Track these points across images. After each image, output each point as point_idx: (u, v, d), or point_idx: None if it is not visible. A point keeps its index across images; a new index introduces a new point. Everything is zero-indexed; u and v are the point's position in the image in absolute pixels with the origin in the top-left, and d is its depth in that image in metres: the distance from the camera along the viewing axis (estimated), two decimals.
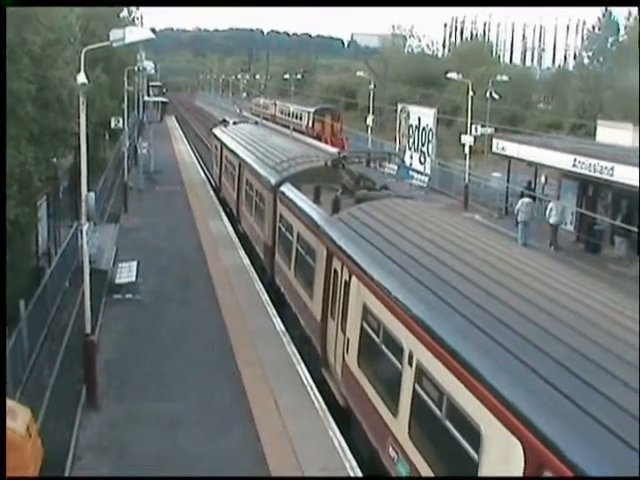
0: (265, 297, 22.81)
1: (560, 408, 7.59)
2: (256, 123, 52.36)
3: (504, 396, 8.23)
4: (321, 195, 18.69)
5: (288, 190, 21.51)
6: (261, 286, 23.91)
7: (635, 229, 28.10)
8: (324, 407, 15.41)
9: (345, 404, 14.64)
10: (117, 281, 23.35)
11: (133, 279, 23.38)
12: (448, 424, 9.46)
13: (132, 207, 37.13)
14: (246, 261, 27.11)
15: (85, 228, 16.32)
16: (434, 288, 11.09)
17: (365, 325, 13.25)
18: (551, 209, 32.35)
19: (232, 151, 34.47)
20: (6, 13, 14.23)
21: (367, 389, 12.94)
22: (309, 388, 16.38)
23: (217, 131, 42.67)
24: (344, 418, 14.62)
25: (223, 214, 35.85)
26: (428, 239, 13.36)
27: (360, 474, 12.94)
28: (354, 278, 13.99)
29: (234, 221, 33.14)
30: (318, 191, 18.83)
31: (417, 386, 10.63)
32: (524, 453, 7.70)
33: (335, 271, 15.48)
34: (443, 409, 9.66)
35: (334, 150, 36.14)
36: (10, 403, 12.34)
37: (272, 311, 21.52)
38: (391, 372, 11.65)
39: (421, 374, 10.51)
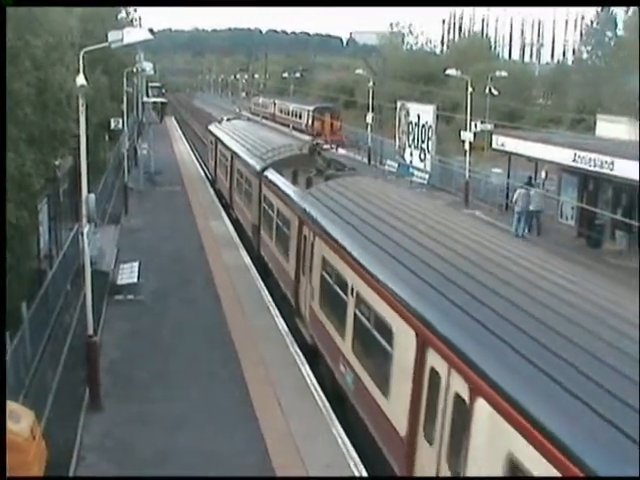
0: (268, 297, 22.83)
1: (442, 307, 10.48)
2: (248, 119, 57.39)
3: (402, 299, 11.42)
4: (298, 177, 22.14)
5: (271, 174, 24.80)
6: (263, 285, 23.95)
7: (636, 223, 28.14)
8: (327, 405, 15.44)
9: (312, 342, 17.81)
10: (119, 282, 23.36)
11: (135, 280, 23.39)
12: (374, 332, 12.72)
13: (133, 208, 37.15)
14: (247, 260, 27.13)
15: (86, 230, 16.35)
16: (374, 239, 14.18)
17: (324, 274, 16.55)
18: (517, 197, 33.98)
19: (225, 144, 37.77)
20: (6, 13, 14.26)
21: (326, 324, 16.23)
22: (312, 387, 16.39)
23: (212, 127, 46.18)
24: (313, 355, 17.60)
25: (224, 214, 35.88)
26: (377, 206, 16.45)
27: (364, 472, 12.95)
28: (317, 238, 17.29)
29: (228, 208, 36.07)
30: (296, 174, 22.34)
31: (356, 310, 13.91)
32: (416, 338, 10.66)
33: (305, 236, 18.72)
34: (371, 321, 12.99)
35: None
36: (14, 406, 12.35)
37: (275, 311, 21.55)
38: (341, 305, 14.91)
39: (359, 300, 13.76)
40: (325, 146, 27.72)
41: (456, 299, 10.38)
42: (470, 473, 8.81)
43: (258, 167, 26.89)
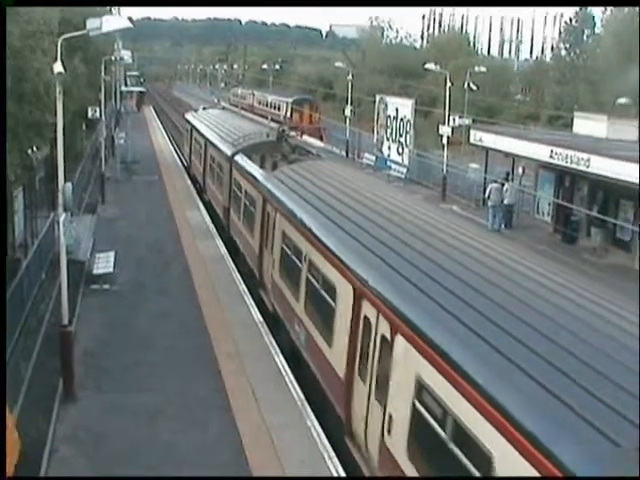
0: (243, 287, 22.81)
1: (376, 266, 12.25)
2: (223, 108, 59.65)
3: (344, 261, 13.29)
4: (265, 161, 24.14)
5: (240, 159, 26.46)
6: (239, 276, 23.92)
7: (610, 220, 28.39)
8: (302, 397, 15.44)
9: (273, 309, 19.55)
10: (94, 272, 23.25)
11: (111, 269, 23.30)
12: (321, 291, 14.62)
13: (109, 197, 36.97)
14: (223, 250, 27.10)
15: (62, 219, 16.20)
16: (326, 213, 16.00)
17: (283, 245, 18.28)
18: (490, 191, 34.48)
19: (200, 132, 39.19)
20: (6, 13, 14.13)
21: (284, 290, 18.02)
22: (287, 379, 16.39)
23: (188, 116, 48.14)
24: (275, 323, 19.22)
25: (201, 204, 35.82)
26: (333, 186, 18.30)
27: (340, 466, 12.97)
28: (278, 214, 19.04)
29: (201, 192, 37.67)
30: (263, 158, 24.43)
31: (308, 274, 15.75)
32: (353, 292, 12.51)
33: (268, 213, 20.46)
34: (320, 283, 14.78)
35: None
36: None
37: (250, 301, 21.53)
38: (296, 272, 16.74)
39: (310, 265, 15.63)
40: (291, 133, 30.92)
41: (389, 260, 12.21)
42: (391, 398, 10.72)
43: (229, 152, 28.61)
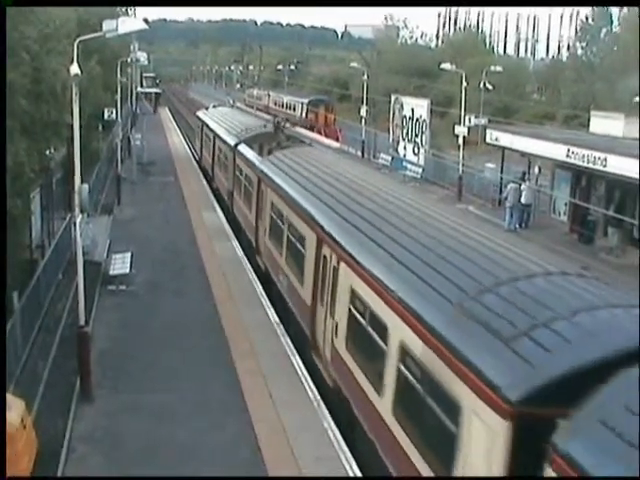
0: (260, 289, 22.85)
1: (332, 218, 16.10)
2: (232, 106, 63.27)
3: (312, 216, 17.22)
4: (262, 148, 27.34)
5: (242, 148, 30.22)
6: (255, 277, 23.96)
7: (628, 219, 28.21)
8: (318, 397, 15.47)
9: (265, 269, 23.27)
10: (111, 272, 23.32)
11: (127, 270, 23.36)
12: (296, 244, 18.59)
13: (125, 198, 37.07)
14: (240, 252, 27.14)
15: (78, 220, 16.29)
16: (305, 185, 19.64)
17: (272, 214, 22.20)
18: (508, 192, 34.53)
19: (209, 127, 43.29)
20: (6, 13, 14.20)
21: (272, 250, 21.97)
22: (303, 379, 16.41)
23: (199, 113, 52.02)
24: (266, 280, 22.90)
25: (217, 205, 35.90)
26: (314, 166, 21.74)
27: (354, 464, 12.98)
28: (269, 190, 22.97)
29: (210, 181, 41.66)
30: (261, 146, 27.70)
31: (288, 232, 19.71)
32: (317, 240, 16.42)
33: (261, 190, 24.28)
34: (294, 236, 18.87)
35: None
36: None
37: (267, 302, 21.56)
38: (280, 233, 20.81)
39: (289, 225, 19.57)
40: (287, 125, 35.85)
41: (343, 215, 15.96)
42: (337, 310, 14.65)
43: (232, 142, 32.66)
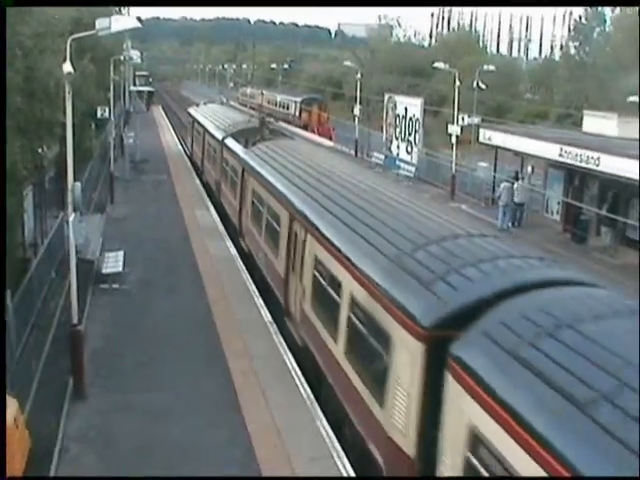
0: (253, 287, 22.83)
1: (303, 199, 18.26)
2: (222, 103, 65.58)
3: (285, 197, 19.56)
4: (247, 141, 29.33)
5: (229, 142, 32.31)
6: (249, 277, 23.94)
7: (620, 219, 28.27)
8: (312, 397, 15.46)
9: (247, 249, 25.50)
10: (104, 271, 23.29)
11: (120, 269, 23.34)
12: (272, 222, 20.86)
13: (118, 197, 37.04)
14: (233, 251, 27.13)
15: (71, 218, 16.24)
16: (281, 170, 22.07)
17: (253, 199, 24.41)
18: (501, 191, 34.70)
19: (199, 122, 45.01)
20: (6, 13, 14.15)
21: (253, 230, 24.23)
22: (297, 379, 16.40)
23: (191, 110, 53.89)
24: (249, 261, 25.01)
25: (210, 204, 35.87)
26: (291, 155, 24.11)
27: (348, 464, 12.98)
28: (250, 177, 25.34)
29: (200, 174, 43.44)
30: (247, 139, 29.68)
31: (267, 214, 21.83)
32: (289, 217, 18.66)
33: (245, 179, 26.48)
34: (271, 216, 21.10)
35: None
36: None
37: (260, 302, 21.54)
38: (258, 215, 23.16)
39: (268, 207, 21.81)
40: (271, 120, 39.10)
41: (312, 194, 18.04)
42: (304, 274, 16.80)
43: (220, 136, 34.72)
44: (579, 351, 8.01)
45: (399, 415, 10.73)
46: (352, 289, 13.14)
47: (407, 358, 10.61)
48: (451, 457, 9.24)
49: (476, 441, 8.62)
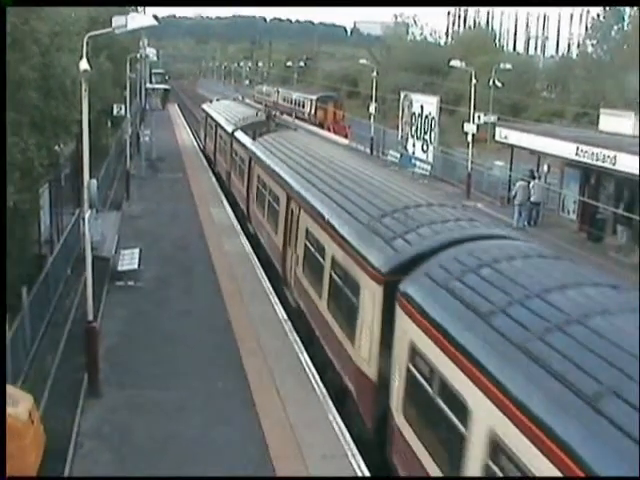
0: (267, 285, 22.85)
1: (298, 180, 20.51)
2: (234, 99, 67.46)
3: (283, 179, 22.05)
4: (255, 134, 31.17)
5: (238, 134, 34.60)
6: (264, 274, 23.95)
7: (637, 217, 28.09)
8: (325, 393, 15.47)
9: (253, 231, 27.90)
10: (119, 268, 23.35)
11: (135, 266, 23.39)
12: (273, 203, 23.35)
13: (134, 194, 37.13)
14: (248, 249, 27.15)
15: (87, 215, 16.30)
16: (283, 158, 24.10)
17: (258, 185, 26.83)
18: (517, 190, 34.61)
19: (212, 117, 47.27)
20: (6, 13, 14.20)
21: (258, 213, 26.58)
22: (311, 376, 16.41)
23: (204, 106, 56.14)
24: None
25: (225, 201, 35.92)
26: (294, 145, 26.29)
27: (361, 461, 12.98)
28: (256, 165, 27.66)
29: (212, 165, 46.07)
30: (254, 132, 31.59)
31: (269, 197, 24.36)
32: (286, 197, 21.05)
33: (252, 167, 28.77)
34: (272, 197, 23.61)
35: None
36: (12, 390, 12.37)
37: (274, 299, 21.56)
38: (262, 197, 25.67)
39: (270, 190, 24.15)
40: (277, 114, 42.98)
41: (306, 176, 20.32)
42: (296, 245, 19.35)
43: (230, 129, 37.09)
44: (494, 283, 10.41)
45: (364, 348, 13.22)
46: (333, 252, 15.69)
47: (370, 300, 13.11)
48: (398, 370, 11.69)
49: (414, 354, 11.13)
